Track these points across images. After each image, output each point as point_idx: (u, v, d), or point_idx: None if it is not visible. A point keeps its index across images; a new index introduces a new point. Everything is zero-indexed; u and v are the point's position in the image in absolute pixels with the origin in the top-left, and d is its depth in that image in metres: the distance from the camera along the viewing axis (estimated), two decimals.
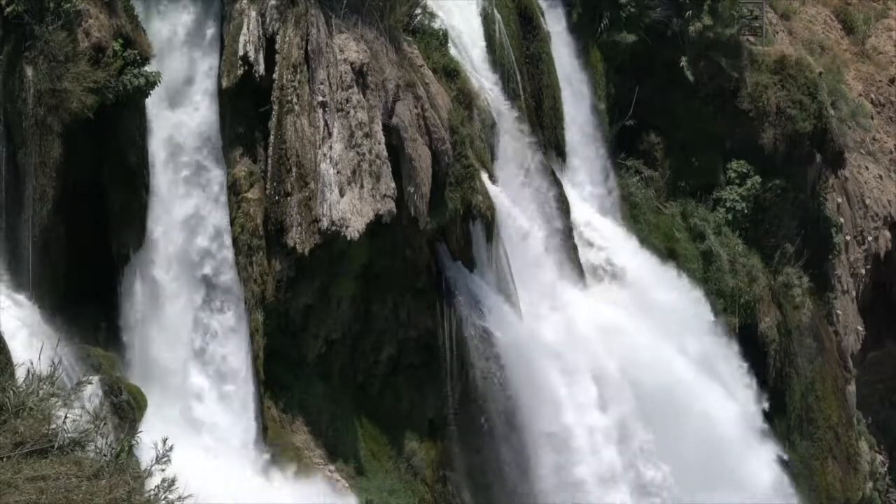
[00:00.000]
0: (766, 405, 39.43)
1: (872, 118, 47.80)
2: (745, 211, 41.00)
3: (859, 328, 45.56)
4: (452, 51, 32.92)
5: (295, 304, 28.78)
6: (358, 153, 28.34)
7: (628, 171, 39.89)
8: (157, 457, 12.33)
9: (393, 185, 28.68)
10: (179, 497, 12.37)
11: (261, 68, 27.74)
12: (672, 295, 37.92)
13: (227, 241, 27.75)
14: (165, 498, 12.14)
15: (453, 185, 30.51)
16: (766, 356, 40.53)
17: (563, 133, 37.09)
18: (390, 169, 28.73)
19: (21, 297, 24.11)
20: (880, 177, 47.42)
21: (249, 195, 27.99)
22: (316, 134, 28.05)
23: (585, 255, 36.26)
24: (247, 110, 28.14)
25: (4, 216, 24.36)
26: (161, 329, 26.71)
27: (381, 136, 28.75)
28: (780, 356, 41.17)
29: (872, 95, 48.80)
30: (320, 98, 28.17)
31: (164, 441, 12.60)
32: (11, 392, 13.03)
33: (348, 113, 28.43)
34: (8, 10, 23.91)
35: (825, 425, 42.65)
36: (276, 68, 27.98)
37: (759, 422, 38.76)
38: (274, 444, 27.99)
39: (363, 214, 28.18)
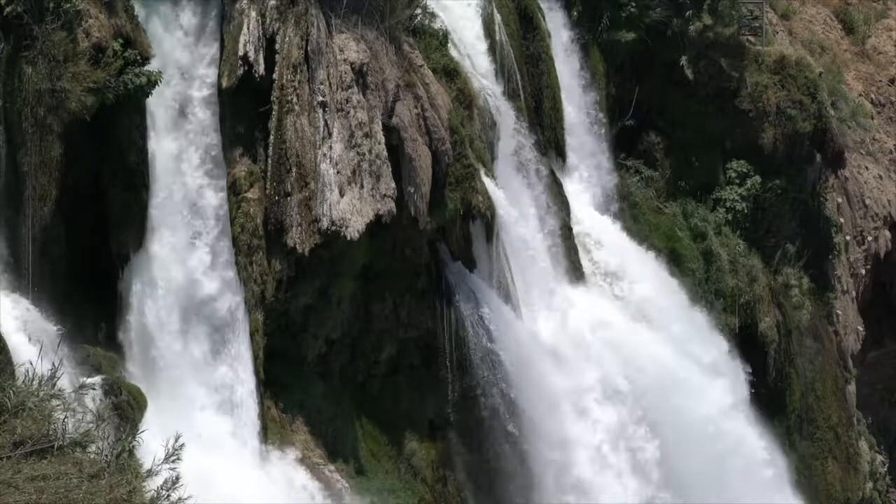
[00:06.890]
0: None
1: (872, 118, 47.79)
2: (745, 211, 41.00)
3: (859, 328, 45.52)
4: (452, 51, 32.90)
5: (295, 304, 28.76)
6: (358, 153, 28.33)
7: (628, 171, 39.87)
8: (167, 454, 12.25)
9: (393, 185, 28.66)
10: (180, 497, 12.33)
11: (261, 68, 27.72)
12: (670, 295, 37.91)
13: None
14: (167, 498, 12.10)
15: (453, 185, 30.49)
16: (766, 356, 40.51)
17: (563, 133, 37.06)
18: (390, 169, 28.71)
19: (21, 297, 24.08)
20: (880, 177, 47.38)
21: (249, 195, 27.96)
22: (316, 134, 28.03)
23: (585, 254, 36.24)
24: (247, 110, 28.12)
25: (4, 216, 24.34)
26: (161, 329, 26.67)
27: (381, 136, 28.73)
28: (780, 356, 41.15)
29: (872, 95, 48.78)
30: (320, 98, 28.15)
31: (177, 439, 12.44)
32: (11, 392, 13.00)
33: (348, 113, 28.42)
34: (7, 9, 23.87)
35: (825, 425, 42.64)
36: (276, 68, 27.96)
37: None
38: (273, 443, 27.97)
39: (363, 214, 28.16)
